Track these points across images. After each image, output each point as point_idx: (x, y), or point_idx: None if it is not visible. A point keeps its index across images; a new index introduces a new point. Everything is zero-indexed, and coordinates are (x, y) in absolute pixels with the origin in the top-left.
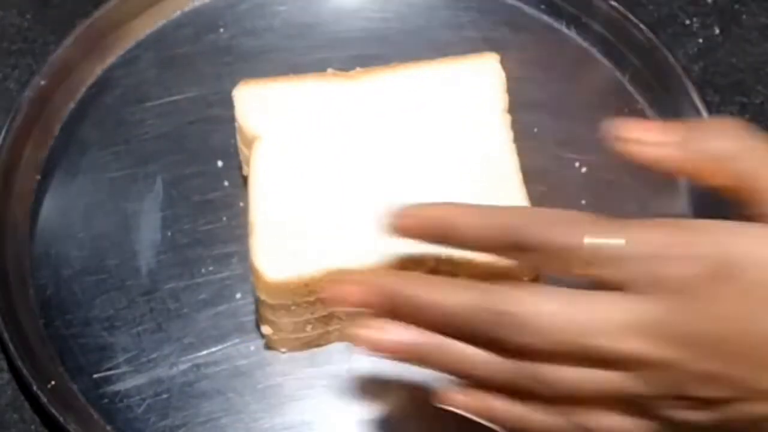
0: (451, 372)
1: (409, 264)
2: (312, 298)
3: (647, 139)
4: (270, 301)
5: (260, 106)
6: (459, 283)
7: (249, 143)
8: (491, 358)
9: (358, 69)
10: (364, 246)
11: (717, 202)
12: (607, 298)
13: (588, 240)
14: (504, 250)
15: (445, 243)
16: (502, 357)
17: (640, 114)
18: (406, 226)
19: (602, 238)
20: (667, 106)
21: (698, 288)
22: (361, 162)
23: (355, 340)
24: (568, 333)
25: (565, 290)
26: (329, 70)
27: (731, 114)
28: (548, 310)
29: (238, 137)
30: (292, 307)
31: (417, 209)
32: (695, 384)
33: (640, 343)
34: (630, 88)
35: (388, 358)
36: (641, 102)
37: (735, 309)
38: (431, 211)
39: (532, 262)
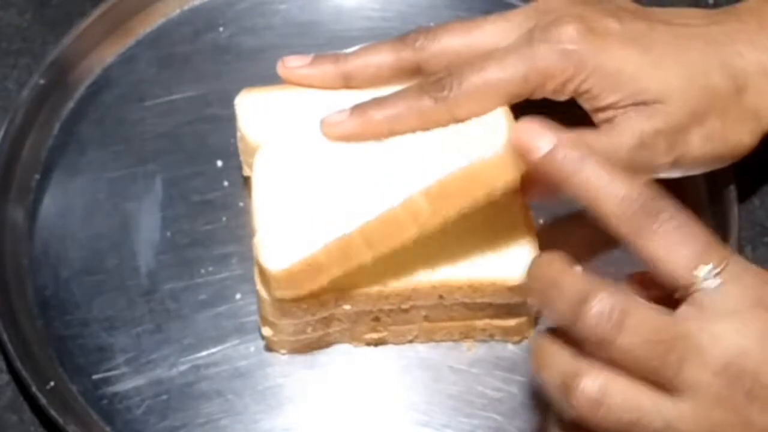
0: None
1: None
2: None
3: None
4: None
5: (262, 113)
6: None
7: (251, 150)
8: None
9: None
10: None
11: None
12: None
13: None
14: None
15: None
16: None
17: None
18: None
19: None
20: None
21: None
22: (364, 167)
23: None
24: None
25: None
26: None
27: None
28: None
29: (240, 145)
30: (293, 309)
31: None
32: None
33: None
34: None
35: None
36: None
37: None
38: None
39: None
